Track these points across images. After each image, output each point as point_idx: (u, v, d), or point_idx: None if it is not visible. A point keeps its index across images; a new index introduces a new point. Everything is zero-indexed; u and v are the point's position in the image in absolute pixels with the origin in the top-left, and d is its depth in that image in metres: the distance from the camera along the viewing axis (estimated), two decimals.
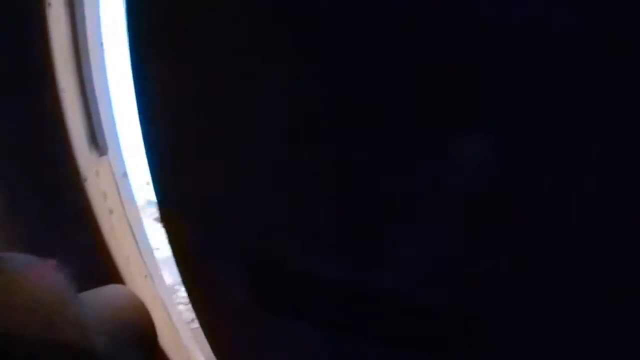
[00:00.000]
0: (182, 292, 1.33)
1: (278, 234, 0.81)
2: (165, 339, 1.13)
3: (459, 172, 0.68)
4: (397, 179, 0.70)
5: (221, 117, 0.78)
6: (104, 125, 1.01)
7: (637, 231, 0.62)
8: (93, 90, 0.99)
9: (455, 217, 0.71)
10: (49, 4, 0.90)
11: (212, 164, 0.83)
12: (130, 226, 1.06)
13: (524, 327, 0.72)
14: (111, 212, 1.03)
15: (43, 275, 0.74)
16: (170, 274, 1.23)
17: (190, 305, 1.08)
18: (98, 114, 1.00)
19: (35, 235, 1.00)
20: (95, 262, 1.04)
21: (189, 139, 0.83)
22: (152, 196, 0.96)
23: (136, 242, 1.07)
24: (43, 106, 0.96)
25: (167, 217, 0.94)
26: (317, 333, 0.87)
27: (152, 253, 1.11)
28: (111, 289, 0.94)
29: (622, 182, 0.60)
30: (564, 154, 0.61)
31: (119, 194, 1.04)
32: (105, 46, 1.03)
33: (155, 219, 1.83)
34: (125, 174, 1.05)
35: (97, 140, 1.00)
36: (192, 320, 1.18)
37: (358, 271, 0.77)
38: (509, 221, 0.67)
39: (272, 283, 0.87)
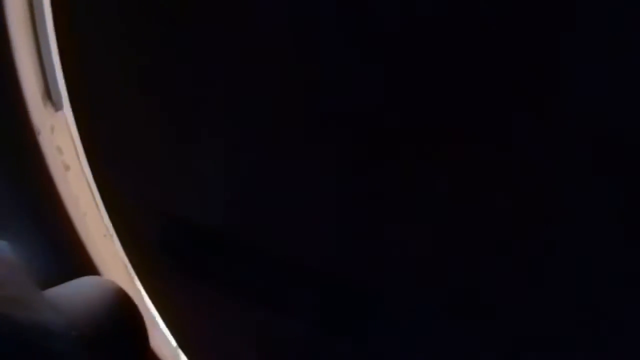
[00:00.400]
0: None
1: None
2: None
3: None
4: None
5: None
6: (59, 80, 1.00)
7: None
8: (48, 44, 0.98)
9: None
10: None
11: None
12: (88, 183, 1.05)
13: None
14: (67, 168, 1.01)
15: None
16: None
17: None
18: (53, 68, 0.99)
19: None
20: (50, 220, 1.03)
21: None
22: None
23: (94, 199, 1.05)
24: None
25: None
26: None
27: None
28: (92, 281, 0.92)
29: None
30: None
31: (76, 150, 1.02)
32: None
33: None
34: None
35: (51, 95, 0.99)
36: None
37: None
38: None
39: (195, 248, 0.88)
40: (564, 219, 0.63)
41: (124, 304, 0.81)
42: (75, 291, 0.78)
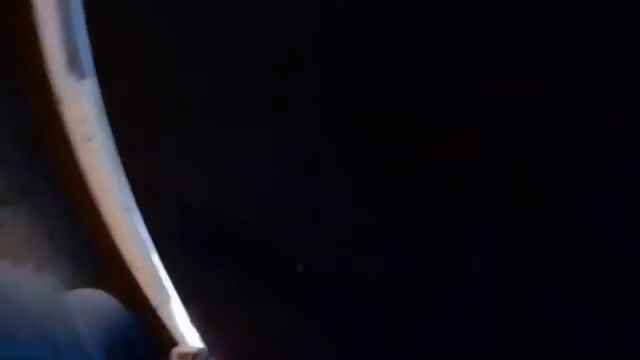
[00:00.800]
0: None
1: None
2: (141, 276, 1.10)
3: None
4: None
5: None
6: (84, 47, 0.95)
7: None
8: (75, 6, 0.92)
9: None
10: None
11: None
12: (111, 155, 1.01)
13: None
14: (89, 139, 0.98)
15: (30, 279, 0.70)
16: None
17: None
18: (80, 33, 0.94)
19: (8, 162, 0.95)
20: (70, 191, 1.01)
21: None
22: None
23: (116, 171, 1.02)
24: (17, 25, 0.90)
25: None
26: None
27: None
28: (96, 296, 0.90)
29: None
30: None
31: (99, 120, 0.98)
32: None
33: None
34: None
35: (76, 63, 0.94)
36: None
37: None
38: None
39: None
40: None
41: (122, 321, 0.80)
42: (78, 306, 0.76)
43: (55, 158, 0.98)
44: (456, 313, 0.72)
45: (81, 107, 0.96)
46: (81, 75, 0.95)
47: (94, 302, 0.79)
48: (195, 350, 1.19)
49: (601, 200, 0.58)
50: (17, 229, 0.97)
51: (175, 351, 1.19)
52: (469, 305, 0.71)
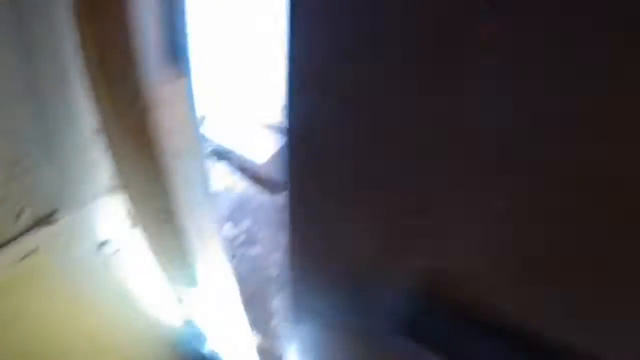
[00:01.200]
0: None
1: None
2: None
3: None
4: None
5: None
6: (186, 35, 0.69)
7: None
8: None
9: None
10: None
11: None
12: (199, 172, 0.79)
13: None
14: (178, 155, 0.75)
15: None
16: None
17: None
18: (177, 18, 0.68)
19: (84, 174, 0.70)
20: (152, 215, 0.78)
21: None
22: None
23: (203, 190, 0.80)
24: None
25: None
26: None
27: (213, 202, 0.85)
28: None
29: None
30: None
31: (191, 132, 0.75)
32: None
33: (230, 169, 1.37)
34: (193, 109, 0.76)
35: (175, 56, 0.69)
36: None
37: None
38: None
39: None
40: None
41: None
42: None
43: (133, 173, 0.74)
44: None
45: (174, 112, 0.72)
46: (180, 72, 0.70)
47: None
48: None
49: None
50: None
51: None
52: None
